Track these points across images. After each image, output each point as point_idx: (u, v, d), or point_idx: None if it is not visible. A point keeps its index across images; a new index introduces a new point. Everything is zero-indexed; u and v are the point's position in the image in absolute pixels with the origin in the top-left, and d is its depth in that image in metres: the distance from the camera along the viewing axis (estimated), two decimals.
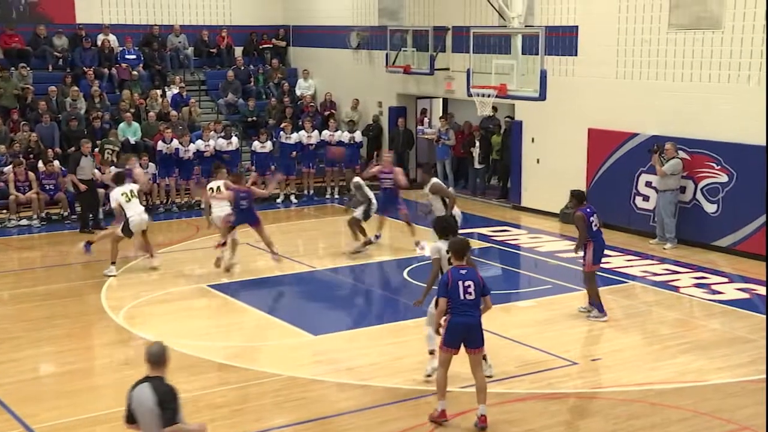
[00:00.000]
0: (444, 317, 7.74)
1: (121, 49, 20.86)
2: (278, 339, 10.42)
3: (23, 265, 14.09)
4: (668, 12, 14.41)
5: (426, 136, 20.61)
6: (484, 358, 8.72)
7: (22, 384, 9.03)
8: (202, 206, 14.85)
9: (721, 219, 13.85)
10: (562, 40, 16.10)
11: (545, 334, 10.37)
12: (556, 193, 16.26)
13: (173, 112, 19.10)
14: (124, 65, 20.49)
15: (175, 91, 20.37)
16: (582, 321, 10.86)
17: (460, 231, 9.59)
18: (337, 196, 19.15)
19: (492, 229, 15.76)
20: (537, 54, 14.02)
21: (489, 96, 14.76)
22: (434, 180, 13.09)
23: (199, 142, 18.06)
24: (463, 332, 7.66)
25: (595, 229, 10.65)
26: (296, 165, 19.05)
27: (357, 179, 14.36)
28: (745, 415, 8.06)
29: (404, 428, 7.83)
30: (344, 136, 19.46)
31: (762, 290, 11.97)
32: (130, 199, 12.94)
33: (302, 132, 19.19)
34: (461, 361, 9.32)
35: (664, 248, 14.21)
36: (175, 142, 17.74)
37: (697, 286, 12.23)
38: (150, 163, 17.50)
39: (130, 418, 5.60)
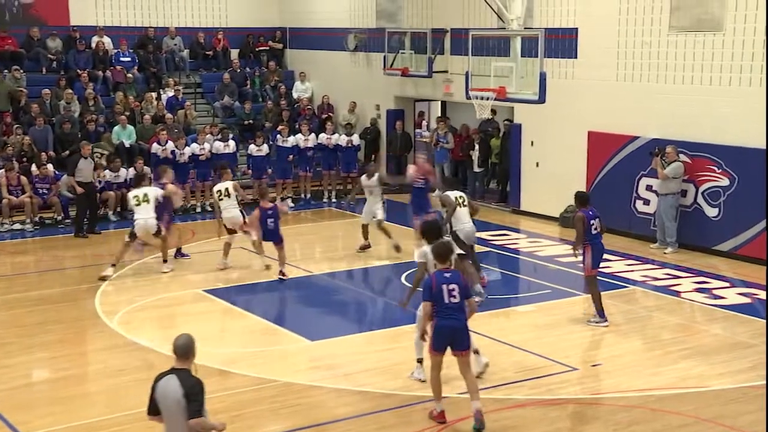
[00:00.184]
0: (430, 322, 7.82)
1: (115, 51, 20.88)
2: (275, 344, 10.41)
3: (16, 270, 14.08)
4: (669, 14, 14.45)
5: (423, 139, 20.63)
6: (476, 351, 8.91)
7: (14, 391, 9.01)
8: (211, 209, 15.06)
9: (723, 223, 13.87)
10: (562, 43, 16.13)
11: (545, 340, 10.38)
12: (555, 196, 16.28)
13: (168, 115, 19.12)
14: (118, 68, 20.50)
15: (171, 93, 20.38)
16: (582, 326, 10.87)
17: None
18: (334, 200, 19.15)
19: (491, 233, 15.76)
20: (536, 56, 14.04)
21: (488, 99, 14.77)
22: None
23: (194, 145, 18.06)
24: (449, 335, 7.76)
25: (594, 232, 10.65)
26: (293, 169, 19.06)
27: (377, 174, 14.37)
28: (746, 421, 8.06)
29: None
30: (341, 139, 19.47)
31: (763, 295, 11.99)
32: (140, 203, 13.11)
33: (299, 135, 19.20)
34: (454, 367, 9.33)
35: (665, 252, 14.23)
36: (171, 144, 17.74)
37: (699, 290, 12.25)
38: (145, 167, 17.47)
39: (154, 409, 5.64)
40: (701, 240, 14.16)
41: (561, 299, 11.89)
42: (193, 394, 5.50)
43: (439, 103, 21.63)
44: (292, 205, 13.71)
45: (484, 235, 15.29)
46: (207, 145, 18.15)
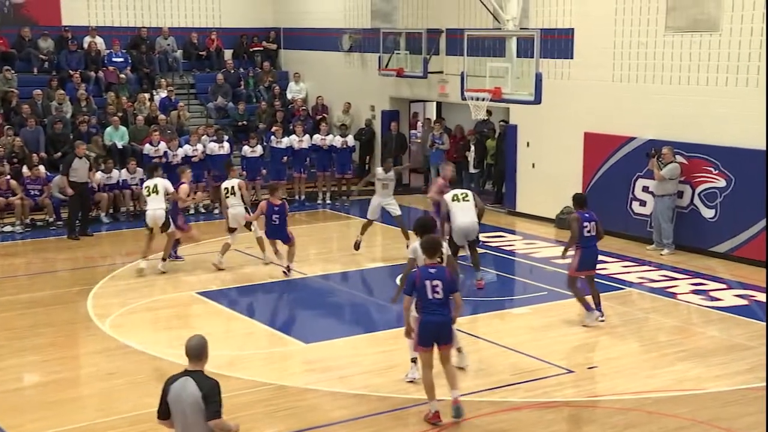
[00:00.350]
0: (415, 317, 7.95)
1: (108, 51, 20.86)
2: (269, 347, 10.40)
3: (6, 273, 14.02)
4: (665, 14, 14.48)
5: (417, 140, 20.65)
6: (459, 350, 9.12)
7: (5, 395, 8.98)
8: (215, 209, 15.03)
9: (719, 224, 13.90)
10: (558, 43, 16.16)
11: (540, 342, 10.39)
12: (551, 198, 16.30)
13: (162, 116, 19.10)
14: (111, 68, 20.48)
15: (164, 94, 20.37)
16: (578, 328, 10.88)
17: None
18: (328, 202, 19.14)
19: (486, 234, 15.74)
20: (532, 57, 14.05)
21: (483, 99, 14.77)
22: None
23: (187, 146, 18.04)
24: (434, 331, 7.87)
25: (587, 235, 10.67)
26: (287, 170, 19.05)
27: (393, 171, 14.44)
28: (744, 423, 8.08)
29: None
30: (336, 140, 19.47)
31: (760, 297, 12.02)
32: (150, 194, 13.32)
33: (293, 136, 19.20)
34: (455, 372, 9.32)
35: (662, 254, 14.26)
36: (163, 145, 17.73)
37: (695, 292, 12.27)
38: (138, 168, 17.48)
39: (164, 413, 5.61)
40: (698, 241, 14.19)
41: (557, 301, 11.90)
42: (212, 395, 5.50)
43: (435, 103, 21.65)
44: None
45: (479, 236, 15.28)
46: (200, 146, 18.13)
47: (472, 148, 18.65)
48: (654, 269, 13.50)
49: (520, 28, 15.12)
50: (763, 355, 9.76)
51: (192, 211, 17.90)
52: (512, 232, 16.38)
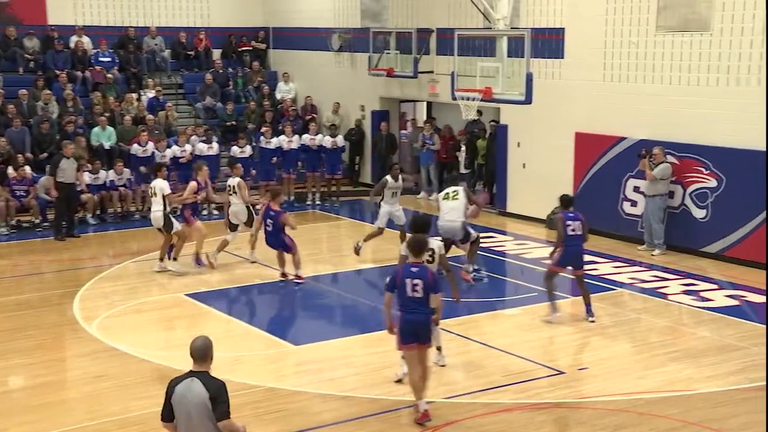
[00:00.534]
0: (389, 311, 8.12)
1: (95, 51, 20.79)
2: (258, 349, 10.39)
3: None
4: (656, 14, 14.54)
5: (405, 141, 20.67)
6: (439, 348, 9.28)
7: None
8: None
9: (710, 224, 13.96)
10: (549, 43, 16.21)
11: (531, 343, 10.42)
12: (542, 198, 16.33)
13: (149, 116, 19.06)
14: (98, 68, 20.42)
15: (152, 94, 20.32)
16: (568, 329, 10.92)
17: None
18: (318, 203, 19.14)
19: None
20: (523, 56, 14.09)
21: (474, 99, 14.81)
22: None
23: (175, 147, 17.99)
24: (413, 329, 7.98)
25: (571, 233, 10.83)
26: (277, 170, 19.03)
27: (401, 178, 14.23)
28: (734, 424, 8.13)
29: None
30: (326, 140, 19.47)
31: (751, 297, 12.10)
32: (151, 195, 13.49)
33: (282, 137, 19.18)
34: (442, 373, 9.35)
35: (653, 254, 14.31)
36: (151, 146, 17.68)
37: (686, 293, 12.33)
38: (125, 169, 17.43)
39: (168, 416, 5.58)
40: (689, 242, 14.25)
41: (547, 302, 11.91)
42: (220, 395, 5.50)
43: (425, 104, 21.67)
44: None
45: (473, 233, 15.31)
46: (188, 147, 18.10)
47: (463, 148, 18.68)
48: (645, 270, 13.55)
49: (511, 28, 15.15)
50: (753, 355, 9.84)
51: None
52: (503, 233, 16.41)
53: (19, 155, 17.10)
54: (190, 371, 5.59)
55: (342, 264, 14.27)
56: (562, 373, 9.40)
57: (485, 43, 16.30)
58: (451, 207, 12.48)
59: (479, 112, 17.61)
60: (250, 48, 23.02)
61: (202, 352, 5.60)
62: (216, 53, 22.48)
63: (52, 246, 15.48)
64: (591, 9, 15.53)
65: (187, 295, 12.38)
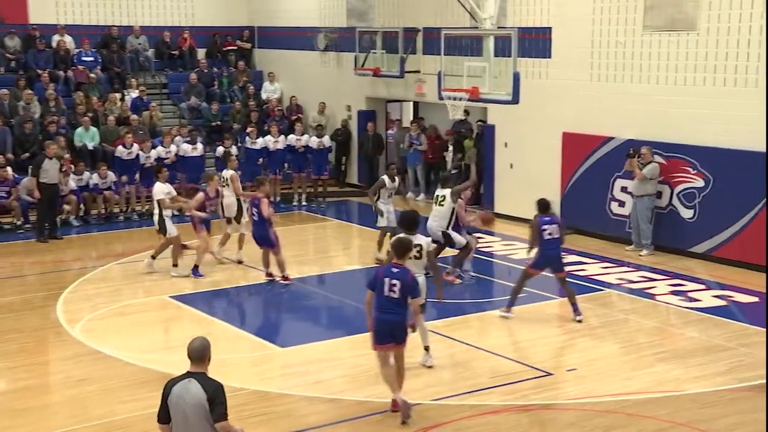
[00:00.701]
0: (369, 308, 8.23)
1: (77, 50, 20.68)
2: (244, 352, 10.37)
3: None
4: (643, 13, 14.61)
5: (391, 141, 20.69)
6: (426, 348, 9.39)
7: None
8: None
9: (698, 225, 14.04)
10: (536, 42, 16.26)
11: (519, 344, 10.45)
12: (530, 199, 16.13)
13: (133, 117, 18.98)
14: (81, 67, 20.32)
15: (135, 94, 20.24)
16: (556, 330, 10.95)
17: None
18: (304, 204, 19.11)
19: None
20: (510, 56, 14.13)
21: (461, 99, 14.84)
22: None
23: (160, 148, 17.92)
24: (387, 328, 8.09)
25: (547, 237, 10.97)
26: (262, 171, 18.97)
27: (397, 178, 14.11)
28: (723, 425, 8.17)
29: None
30: (312, 140, 19.44)
31: (739, 297, 12.17)
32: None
33: (268, 137, 19.14)
34: (429, 374, 9.36)
35: (641, 255, 14.37)
36: (136, 147, 17.60)
37: (674, 293, 12.39)
38: (108, 172, 17.34)
39: (165, 417, 5.55)
40: (677, 242, 14.32)
41: (535, 303, 11.96)
42: (218, 396, 5.48)
43: (412, 103, 21.69)
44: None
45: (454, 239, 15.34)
46: (173, 148, 18.03)
47: (450, 148, 18.70)
48: (633, 270, 13.60)
49: (498, 27, 15.20)
50: (741, 356, 9.91)
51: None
52: (491, 234, 16.42)
53: (0, 156, 16.99)
54: (188, 372, 5.57)
55: (329, 265, 14.26)
56: (550, 374, 9.43)
57: (472, 43, 16.33)
58: (437, 212, 12.67)
59: (466, 112, 17.63)
60: (235, 47, 22.97)
61: (199, 352, 5.59)
62: (200, 53, 22.42)
63: (34, 248, 15.39)
64: (578, 8, 15.58)
65: (171, 297, 12.33)
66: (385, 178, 13.81)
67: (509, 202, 17.32)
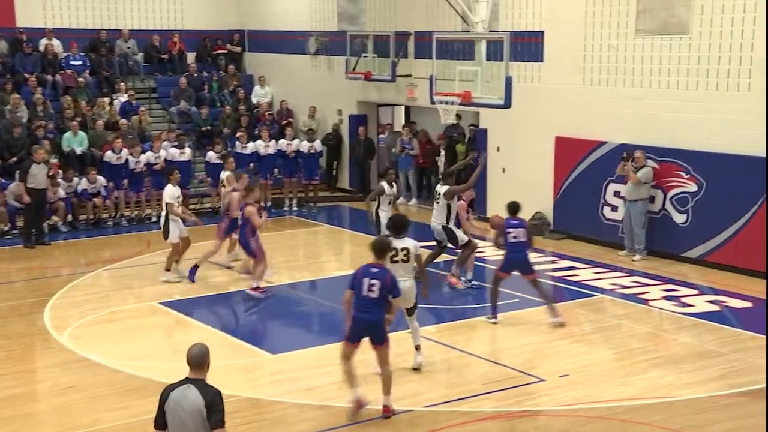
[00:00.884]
0: (348, 308, 8.34)
1: (65, 54, 20.63)
2: (234, 358, 10.33)
3: None
4: (635, 17, 14.67)
5: (382, 146, 20.71)
6: (418, 348, 9.54)
7: None
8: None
9: (691, 229, 14.08)
10: (528, 46, 16.29)
11: (512, 350, 10.45)
12: (523, 203, 16.29)
13: (122, 121, 18.94)
14: (69, 71, 20.26)
15: (124, 98, 20.20)
16: (549, 336, 10.96)
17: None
18: (295, 209, 19.09)
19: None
20: (502, 60, 14.17)
21: (452, 103, 14.86)
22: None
23: (149, 153, 17.88)
24: (363, 328, 8.21)
25: (512, 240, 11.18)
26: (253, 176, 18.94)
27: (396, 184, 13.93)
28: (716, 431, 8.19)
29: None
30: (303, 145, 19.44)
31: (732, 302, 12.21)
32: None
33: (259, 141, 19.13)
34: (421, 381, 9.36)
35: (633, 260, 14.41)
36: (125, 152, 17.56)
37: (667, 298, 12.41)
38: (98, 177, 17.28)
39: (161, 423, 5.54)
40: (670, 247, 14.36)
41: (528, 308, 11.98)
42: (216, 403, 5.46)
43: (403, 108, 21.71)
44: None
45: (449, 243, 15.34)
46: (162, 152, 17.99)
47: (442, 152, 18.72)
48: (626, 275, 13.63)
49: (490, 31, 15.24)
50: (734, 361, 9.94)
51: (154, 219, 17.62)
52: (482, 239, 16.41)
53: None
54: (186, 378, 5.54)
55: (320, 271, 14.25)
56: (543, 380, 9.43)
57: (464, 47, 16.37)
58: (435, 209, 12.80)
59: (458, 117, 17.66)
60: (225, 51, 22.95)
61: (199, 358, 5.57)
62: (190, 56, 22.39)
63: (21, 254, 15.33)
64: (570, 12, 15.63)
65: (161, 303, 12.30)
66: (384, 184, 13.53)
67: (502, 206, 17.24)
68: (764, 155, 12.86)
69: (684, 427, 8.22)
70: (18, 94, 18.94)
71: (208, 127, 20.45)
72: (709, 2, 13.57)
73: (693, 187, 13.99)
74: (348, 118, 20.76)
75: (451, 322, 11.54)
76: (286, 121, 20.77)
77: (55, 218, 16.73)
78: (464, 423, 8.31)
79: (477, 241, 13.45)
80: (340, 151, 20.94)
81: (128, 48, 21.58)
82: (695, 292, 12.75)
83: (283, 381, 9.54)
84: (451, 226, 12.64)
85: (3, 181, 16.70)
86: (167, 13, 22.63)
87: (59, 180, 16.82)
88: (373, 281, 8.13)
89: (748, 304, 12.13)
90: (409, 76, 18.83)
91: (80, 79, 20.10)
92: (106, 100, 19.81)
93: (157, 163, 17.77)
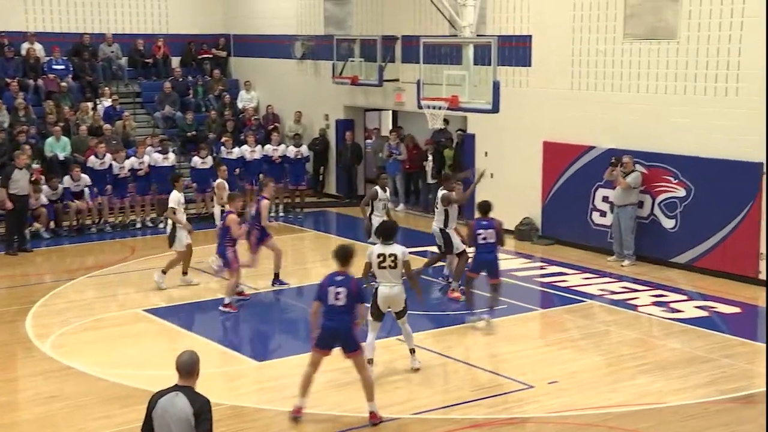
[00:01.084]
0: (315, 320, 8.39)
1: (48, 58, 20.55)
2: (219, 366, 10.30)
3: None
4: (623, 22, 14.74)
5: (368, 150, 20.72)
6: (413, 351, 9.63)
7: None
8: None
9: (680, 235, 14.14)
10: (516, 50, 16.35)
11: (501, 357, 10.47)
12: (511, 209, 16.40)
13: (106, 126, 18.87)
14: (51, 76, 20.18)
15: (108, 103, 20.13)
16: (538, 342, 10.98)
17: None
18: (282, 214, 19.06)
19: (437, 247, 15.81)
20: (489, 64, 14.19)
21: (440, 108, 14.88)
22: None
23: (133, 159, 17.81)
24: (331, 336, 8.27)
25: (481, 241, 11.23)
26: (238, 181, 18.92)
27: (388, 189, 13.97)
28: None
29: None
30: (290, 150, 19.42)
31: (721, 308, 12.27)
32: None
33: (245, 147, 19.10)
34: (410, 388, 9.36)
35: (622, 265, 14.46)
36: (109, 158, 17.50)
37: (656, 304, 12.46)
38: (83, 175, 17.17)
39: (148, 430, 5.50)
40: (658, 252, 14.42)
41: (517, 314, 12.01)
42: (204, 412, 5.43)
43: (390, 113, 21.73)
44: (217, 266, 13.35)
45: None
46: (146, 158, 17.93)
47: (430, 157, 18.75)
48: (615, 281, 13.68)
49: (477, 35, 15.27)
50: (724, 367, 9.99)
51: (139, 225, 17.66)
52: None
53: None
54: (175, 385, 5.52)
55: (306, 277, 14.21)
56: (532, 387, 9.45)
57: (451, 51, 16.39)
58: (435, 212, 12.95)
59: (446, 121, 17.68)
60: (211, 55, 22.92)
61: (188, 366, 5.55)
62: (175, 61, 22.34)
63: (2, 261, 15.22)
64: (557, 16, 15.70)
65: (145, 310, 12.25)
66: (377, 188, 13.57)
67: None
68: (753, 160, 12.94)
69: None
70: None
71: (194, 133, 20.40)
72: (697, 7, 13.66)
73: (681, 192, 14.06)
74: (335, 123, 20.76)
75: (439, 328, 11.53)
76: (272, 126, 20.74)
77: (37, 225, 16.65)
78: (453, 430, 8.31)
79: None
80: (326, 157, 20.93)
81: (112, 52, 21.51)
82: (684, 297, 12.80)
83: (268, 389, 9.52)
84: (449, 230, 12.68)
85: None
86: (152, 17, 22.57)
87: (42, 186, 16.73)
88: (339, 289, 8.19)
89: (737, 310, 12.20)
90: (397, 80, 18.86)
91: (63, 84, 20.02)
92: (90, 105, 19.73)
93: (141, 169, 17.70)
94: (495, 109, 14.17)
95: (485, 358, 10.41)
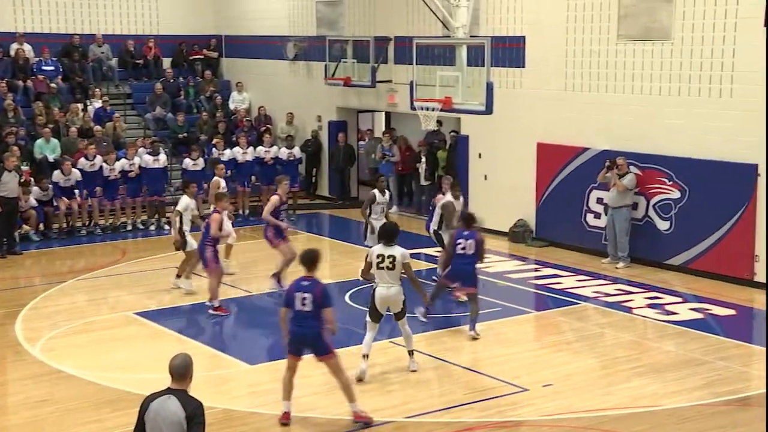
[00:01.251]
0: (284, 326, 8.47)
1: (37, 59, 20.50)
2: (211, 369, 10.28)
3: None
4: (617, 22, 14.78)
5: (361, 152, 20.72)
6: (411, 353, 9.75)
7: None
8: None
9: (674, 236, 14.17)
10: (509, 51, 16.37)
11: (494, 360, 10.46)
12: (504, 210, 16.46)
13: (97, 128, 18.83)
14: (41, 77, 20.13)
15: (98, 104, 20.09)
16: (532, 345, 10.99)
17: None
18: None
19: (438, 249, 15.81)
20: (483, 65, 14.22)
21: (433, 109, 14.90)
22: None
23: (123, 160, 17.77)
24: (299, 341, 8.35)
25: (459, 252, 11.08)
26: (230, 183, 18.88)
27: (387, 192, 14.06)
28: None
29: None
30: (282, 152, 19.40)
31: (716, 310, 12.30)
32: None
33: (236, 148, 19.08)
34: (403, 391, 9.35)
35: (617, 267, 14.48)
36: (99, 159, 17.45)
37: (651, 306, 12.48)
38: (74, 170, 17.10)
39: None
40: (653, 254, 14.45)
41: (511, 317, 12.02)
42: (197, 416, 5.42)
43: (383, 114, 21.74)
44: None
45: (431, 251, 15.38)
46: (137, 160, 17.89)
47: (423, 159, 18.76)
48: (609, 283, 13.70)
49: (470, 36, 15.29)
50: (719, 369, 10.01)
51: (129, 228, 17.61)
52: None
53: None
54: (168, 388, 5.50)
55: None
56: (526, 390, 9.45)
57: (445, 52, 16.42)
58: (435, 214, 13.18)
59: (439, 123, 17.71)
60: (202, 56, 22.89)
61: (182, 369, 5.53)
62: (166, 62, 22.31)
63: None
64: (551, 17, 15.72)
65: (136, 314, 12.22)
66: (376, 192, 13.55)
67: (483, 214, 17.14)
68: (748, 161, 12.99)
69: None
70: None
71: (185, 134, 20.37)
72: (690, 8, 13.70)
73: (676, 194, 14.09)
74: (327, 125, 20.76)
75: (433, 331, 11.53)
76: (264, 128, 20.73)
77: (26, 227, 16.59)
78: None
79: None
80: (319, 158, 20.93)
81: (102, 53, 21.47)
82: (679, 299, 12.83)
83: (261, 392, 9.49)
84: (442, 231, 12.95)
85: None
86: (142, 18, 22.54)
87: (31, 187, 16.68)
88: (305, 295, 8.24)
89: (732, 312, 12.23)
90: (390, 81, 18.86)
91: (53, 85, 19.98)
92: (80, 106, 19.70)
93: (131, 171, 17.67)
94: (488, 110, 14.19)
95: (479, 360, 10.41)
